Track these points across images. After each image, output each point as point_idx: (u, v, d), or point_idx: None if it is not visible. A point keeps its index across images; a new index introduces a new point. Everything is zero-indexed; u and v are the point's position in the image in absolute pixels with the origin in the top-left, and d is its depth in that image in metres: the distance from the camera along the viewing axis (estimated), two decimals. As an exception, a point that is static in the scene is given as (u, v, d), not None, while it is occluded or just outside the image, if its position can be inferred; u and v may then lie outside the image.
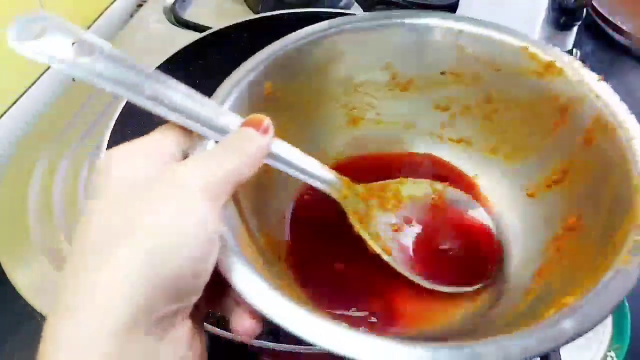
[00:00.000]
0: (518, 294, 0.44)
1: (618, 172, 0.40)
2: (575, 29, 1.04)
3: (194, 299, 0.31)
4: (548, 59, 0.48)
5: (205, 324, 0.46)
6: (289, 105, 0.51)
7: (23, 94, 0.82)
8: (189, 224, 0.29)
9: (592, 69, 0.47)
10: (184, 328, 0.30)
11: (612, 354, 0.82)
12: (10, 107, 0.81)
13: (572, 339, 0.35)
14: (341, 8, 1.02)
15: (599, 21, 1.14)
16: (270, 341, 0.51)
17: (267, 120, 0.38)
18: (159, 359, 0.28)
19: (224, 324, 0.61)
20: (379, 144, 0.59)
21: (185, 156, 0.36)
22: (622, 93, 0.48)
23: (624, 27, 1.12)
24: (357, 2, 0.95)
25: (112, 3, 1.02)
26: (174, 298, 0.28)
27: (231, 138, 0.36)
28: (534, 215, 0.51)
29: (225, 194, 0.32)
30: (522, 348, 0.32)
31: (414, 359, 0.30)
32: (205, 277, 0.31)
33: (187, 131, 0.37)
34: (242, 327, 0.34)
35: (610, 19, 1.12)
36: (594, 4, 1.12)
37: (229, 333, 0.47)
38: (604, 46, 1.17)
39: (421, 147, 0.59)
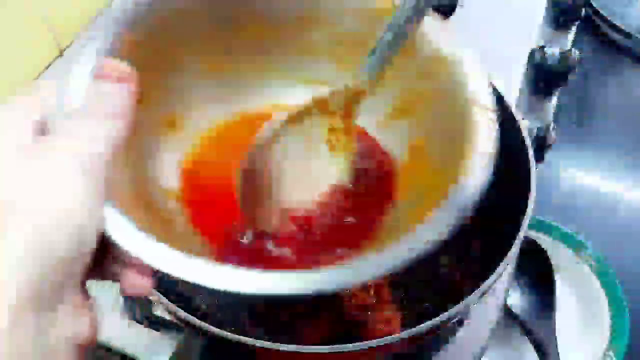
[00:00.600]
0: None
1: (457, 103, 0.44)
2: (574, 28, 1.04)
3: (81, 269, 0.30)
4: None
5: (204, 323, 0.46)
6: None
7: None
8: (67, 202, 0.29)
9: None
10: (74, 300, 0.30)
11: (611, 353, 0.83)
12: None
13: (434, 245, 0.35)
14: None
15: (598, 20, 1.14)
16: (269, 341, 0.51)
17: (122, 67, 0.35)
18: (52, 332, 0.28)
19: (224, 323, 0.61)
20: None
21: (44, 126, 0.33)
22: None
23: (622, 27, 1.12)
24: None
25: None
26: (60, 273, 0.28)
27: (89, 98, 0.34)
28: (386, 143, 0.52)
29: (100, 163, 0.31)
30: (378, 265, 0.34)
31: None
32: (91, 246, 0.30)
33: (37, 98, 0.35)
34: (133, 286, 0.34)
35: (609, 18, 1.12)
36: (593, 3, 1.12)
37: (228, 333, 0.47)
38: (603, 46, 1.17)
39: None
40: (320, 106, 0.48)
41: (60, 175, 0.29)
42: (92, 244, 0.30)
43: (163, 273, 0.32)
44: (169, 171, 0.49)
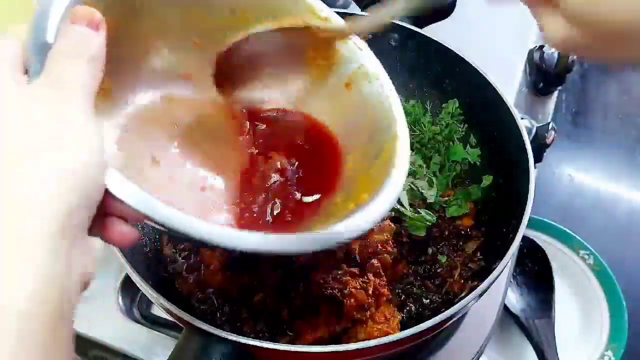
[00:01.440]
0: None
1: (379, 115, 0.52)
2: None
3: (93, 211, 0.33)
4: (324, 15, 0.53)
5: (204, 323, 0.46)
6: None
7: None
8: (92, 135, 0.32)
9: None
10: (85, 237, 0.33)
11: (610, 353, 0.83)
12: None
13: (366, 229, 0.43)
14: (339, 7, 1.02)
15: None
16: (268, 341, 0.51)
17: (97, 14, 0.36)
18: (74, 264, 0.31)
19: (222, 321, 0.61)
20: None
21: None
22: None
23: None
24: (354, 1, 0.95)
25: None
26: (83, 210, 0.31)
27: (67, 39, 0.35)
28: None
29: (92, 104, 0.34)
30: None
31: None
32: (102, 190, 0.33)
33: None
34: (119, 233, 0.37)
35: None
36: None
37: (227, 333, 0.47)
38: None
39: None
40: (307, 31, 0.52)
41: (73, 118, 0.32)
42: (102, 187, 0.33)
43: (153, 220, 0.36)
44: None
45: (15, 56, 0.34)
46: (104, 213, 0.35)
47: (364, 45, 0.54)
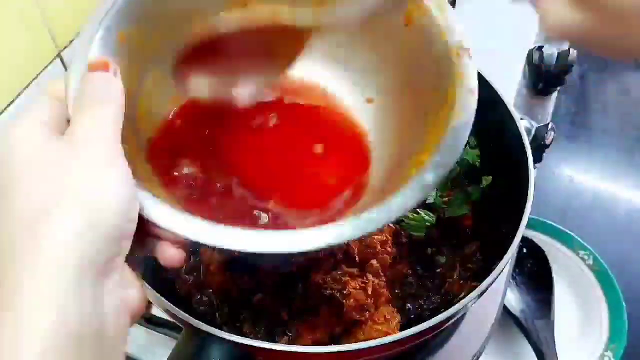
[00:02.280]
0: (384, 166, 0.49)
1: (438, 47, 0.46)
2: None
3: (127, 243, 0.34)
4: None
5: (204, 324, 0.46)
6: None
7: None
8: (112, 181, 0.33)
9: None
10: (122, 273, 0.34)
11: (609, 353, 0.83)
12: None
13: (434, 186, 0.40)
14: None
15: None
16: (267, 341, 0.51)
17: (109, 61, 0.39)
18: (104, 301, 0.32)
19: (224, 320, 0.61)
20: None
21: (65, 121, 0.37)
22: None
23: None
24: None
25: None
26: (111, 247, 0.32)
27: (85, 87, 0.37)
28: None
29: (119, 142, 0.35)
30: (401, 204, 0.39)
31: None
32: (135, 221, 0.35)
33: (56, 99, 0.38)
34: (169, 256, 0.38)
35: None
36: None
37: (227, 333, 0.47)
38: (600, 46, 1.17)
39: None
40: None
41: (99, 158, 0.33)
42: (134, 221, 0.34)
43: (195, 241, 0.36)
44: None
45: (52, 116, 0.36)
46: (147, 235, 0.38)
47: None
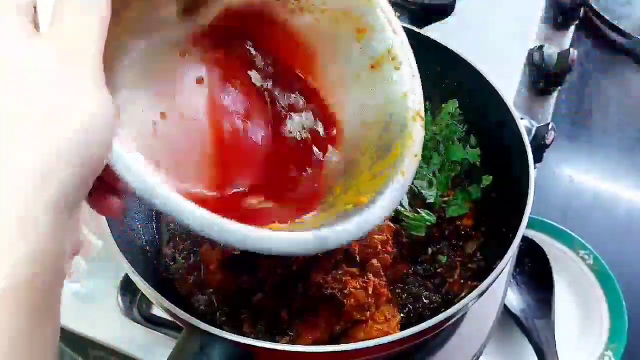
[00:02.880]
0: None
1: (397, 102, 0.48)
2: (572, 28, 1.04)
3: (98, 172, 0.32)
4: None
5: (204, 323, 0.46)
6: None
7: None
8: (100, 105, 0.31)
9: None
10: (80, 210, 0.32)
11: (610, 353, 0.83)
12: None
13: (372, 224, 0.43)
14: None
15: (597, 20, 1.14)
16: (267, 341, 0.51)
17: None
18: (68, 234, 0.30)
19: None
20: None
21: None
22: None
23: (621, 26, 1.12)
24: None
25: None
26: (84, 181, 0.30)
27: None
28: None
29: (100, 58, 0.32)
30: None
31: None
32: (110, 145, 0.33)
33: None
34: (112, 204, 0.37)
35: (608, 18, 1.12)
36: (592, 3, 1.12)
37: (227, 333, 0.47)
38: (601, 45, 1.17)
39: None
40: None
41: (84, 82, 0.31)
42: (104, 159, 0.32)
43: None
44: None
45: (26, 4, 0.32)
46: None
47: (395, 21, 0.51)
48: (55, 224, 0.28)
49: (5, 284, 0.26)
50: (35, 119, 0.28)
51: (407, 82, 0.49)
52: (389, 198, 0.44)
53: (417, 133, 0.47)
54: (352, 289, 0.56)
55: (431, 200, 0.67)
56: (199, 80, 0.49)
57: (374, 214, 0.43)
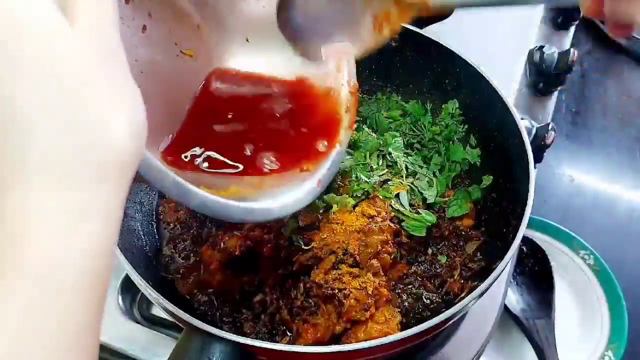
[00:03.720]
0: None
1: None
2: (572, 28, 1.04)
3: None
4: None
5: (204, 323, 0.46)
6: None
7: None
8: (135, 97, 0.30)
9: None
10: None
11: (610, 353, 0.83)
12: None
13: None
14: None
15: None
16: (267, 341, 0.51)
17: None
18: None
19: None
20: None
21: None
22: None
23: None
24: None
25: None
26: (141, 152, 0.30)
27: None
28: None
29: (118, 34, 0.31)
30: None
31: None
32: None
33: None
34: None
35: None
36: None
37: (227, 333, 0.47)
38: (601, 45, 1.17)
39: None
40: None
41: (122, 72, 0.30)
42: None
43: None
44: None
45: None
46: None
47: None
48: (119, 192, 0.28)
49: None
50: (99, 90, 0.28)
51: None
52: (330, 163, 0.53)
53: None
54: (352, 289, 0.56)
55: (431, 200, 0.67)
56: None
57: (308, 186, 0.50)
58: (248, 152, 0.53)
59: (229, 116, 0.55)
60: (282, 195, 0.48)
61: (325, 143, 0.55)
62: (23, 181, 0.25)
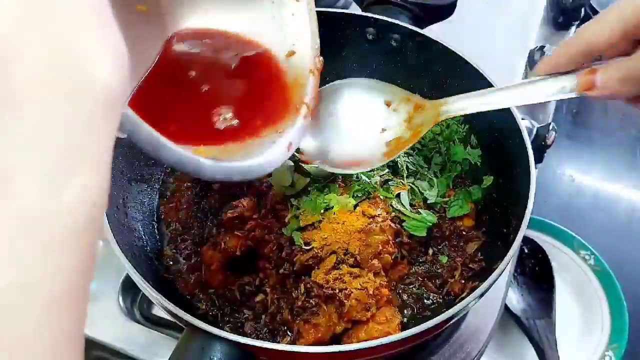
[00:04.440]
0: None
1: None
2: (573, 28, 1.04)
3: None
4: None
5: (204, 323, 0.46)
6: None
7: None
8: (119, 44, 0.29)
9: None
10: None
11: (610, 353, 0.83)
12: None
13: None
14: (339, 7, 1.02)
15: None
16: (268, 341, 0.51)
17: None
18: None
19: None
20: None
21: None
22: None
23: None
24: (354, 2, 0.95)
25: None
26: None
27: None
28: None
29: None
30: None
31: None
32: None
33: None
34: None
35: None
36: (593, 3, 1.12)
37: (228, 333, 0.47)
38: (601, 45, 1.17)
39: None
40: None
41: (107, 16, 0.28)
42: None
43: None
44: None
45: None
46: None
47: None
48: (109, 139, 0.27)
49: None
50: (82, 26, 0.27)
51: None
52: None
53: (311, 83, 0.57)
54: (353, 289, 0.56)
55: (432, 200, 0.67)
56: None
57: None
58: (217, 117, 0.53)
59: (192, 75, 0.55)
60: (253, 157, 0.49)
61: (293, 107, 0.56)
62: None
